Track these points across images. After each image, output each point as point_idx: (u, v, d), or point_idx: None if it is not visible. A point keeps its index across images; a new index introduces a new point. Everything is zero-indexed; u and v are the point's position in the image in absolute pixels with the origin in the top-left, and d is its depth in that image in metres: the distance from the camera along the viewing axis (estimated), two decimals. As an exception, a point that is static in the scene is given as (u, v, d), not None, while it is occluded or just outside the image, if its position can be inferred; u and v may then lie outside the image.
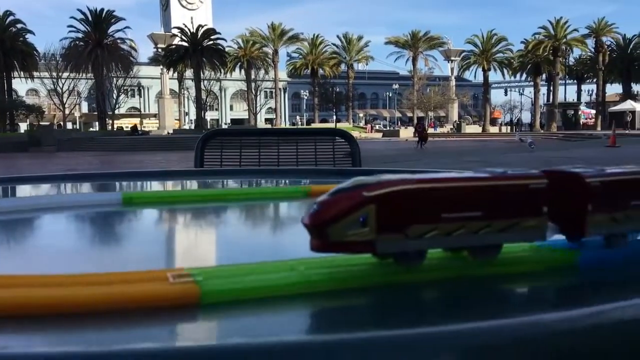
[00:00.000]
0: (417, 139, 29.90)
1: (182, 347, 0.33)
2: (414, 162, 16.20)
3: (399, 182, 0.46)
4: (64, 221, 1.00)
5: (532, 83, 61.16)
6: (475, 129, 59.01)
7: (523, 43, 58.96)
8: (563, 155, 18.33)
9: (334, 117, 63.80)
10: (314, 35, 63.67)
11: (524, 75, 61.42)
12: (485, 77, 60.83)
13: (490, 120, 60.58)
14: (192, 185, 1.57)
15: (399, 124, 71.03)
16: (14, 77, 47.78)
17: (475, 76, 67.99)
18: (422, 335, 0.33)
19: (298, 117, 73.02)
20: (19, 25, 48.44)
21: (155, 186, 1.56)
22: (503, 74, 62.60)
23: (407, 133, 49.40)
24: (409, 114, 68.43)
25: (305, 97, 68.62)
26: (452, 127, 57.77)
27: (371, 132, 54.05)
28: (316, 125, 55.41)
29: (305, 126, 57.13)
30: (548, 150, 22.23)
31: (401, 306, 0.46)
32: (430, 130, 41.27)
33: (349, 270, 0.49)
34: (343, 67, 64.95)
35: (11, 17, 48.08)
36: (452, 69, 64.31)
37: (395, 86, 70.36)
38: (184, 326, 0.44)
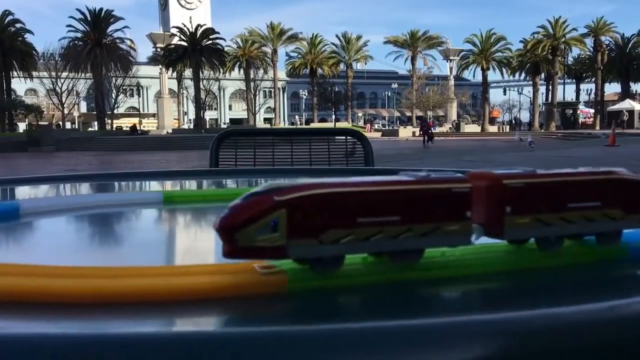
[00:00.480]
0: (422, 138, 30.47)
1: (271, 330, 0.34)
2: (415, 161, 16.23)
3: (313, 186, 0.46)
4: (125, 218, 1.03)
5: (531, 82, 61.19)
6: (474, 128, 59.03)
7: (522, 42, 59.05)
8: (563, 155, 18.35)
9: (333, 117, 63.83)
10: (313, 34, 63.73)
11: (523, 75, 61.49)
12: (484, 77, 60.84)
13: (489, 119, 60.62)
14: (222, 184, 1.59)
15: (398, 123, 70.98)
16: (13, 77, 47.80)
17: (474, 75, 67.94)
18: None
19: (297, 117, 72.90)
20: (18, 25, 48.47)
21: (188, 185, 1.58)
22: (502, 74, 62.69)
23: (406, 132, 49.43)
24: (408, 114, 68.38)
25: (304, 97, 68.57)
26: (451, 126, 57.78)
27: (370, 131, 53.90)
28: (315, 124, 55.40)
29: (305, 126, 57.10)
30: (548, 149, 22.25)
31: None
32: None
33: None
34: (342, 66, 64.92)
35: (10, 17, 48.11)
36: (450, 69, 64.24)
37: (394, 86, 70.30)
38: (276, 311, 0.46)
